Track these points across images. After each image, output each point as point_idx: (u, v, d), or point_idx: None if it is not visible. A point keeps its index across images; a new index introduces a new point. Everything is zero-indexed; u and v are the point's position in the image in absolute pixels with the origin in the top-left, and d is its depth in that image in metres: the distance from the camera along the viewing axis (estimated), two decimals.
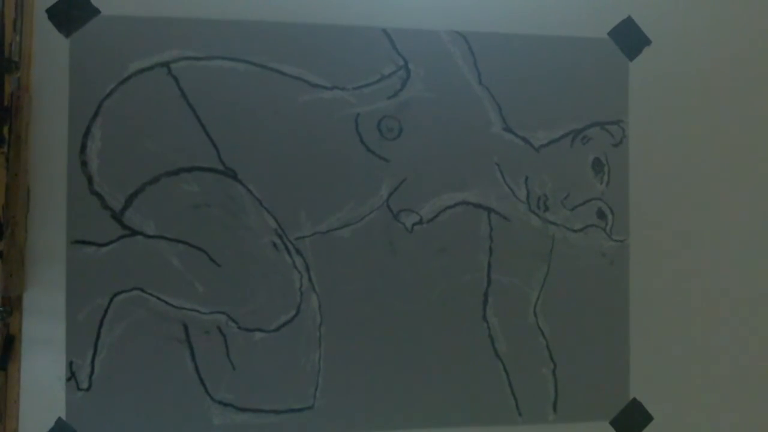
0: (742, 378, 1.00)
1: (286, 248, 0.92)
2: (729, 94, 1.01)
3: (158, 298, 0.91)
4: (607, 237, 0.96)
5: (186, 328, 0.91)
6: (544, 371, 0.96)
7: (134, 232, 0.90)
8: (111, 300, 0.91)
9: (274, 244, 0.92)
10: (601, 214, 0.95)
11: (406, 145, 0.94)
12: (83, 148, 0.90)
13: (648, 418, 0.98)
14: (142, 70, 0.91)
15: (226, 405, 0.92)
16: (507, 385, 0.95)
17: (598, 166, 0.96)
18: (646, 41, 1.00)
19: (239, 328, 0.92)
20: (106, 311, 0.91)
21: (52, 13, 0.90)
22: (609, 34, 0.98)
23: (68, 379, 0.91)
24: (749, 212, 1.00)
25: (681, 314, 0.98)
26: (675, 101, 0.99)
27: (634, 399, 0.97)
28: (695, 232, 0.99)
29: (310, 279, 0.93)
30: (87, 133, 0.90)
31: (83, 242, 0.90)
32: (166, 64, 0.91)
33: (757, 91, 1.01)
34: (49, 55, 0.90)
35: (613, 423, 0.97)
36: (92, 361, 0.91)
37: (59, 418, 0.92)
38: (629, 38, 0.99)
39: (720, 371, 1.00)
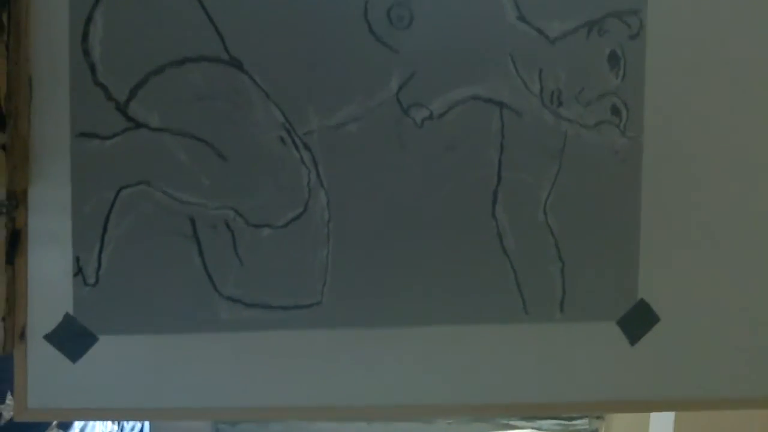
0: (752, 282, 1.02)
1: (294, 143, 0.93)
2: None
3: (164, 193, 0.93)
4: (621, 134, 0.97)
5: (193, 222, 0.93)
6: (551, 270, 0.98)
7: (138, 125, 0.92)
8: (117, 194, 0.93)
9: (282, 139, 0.93)
10: (615, 110, 0.96)
11: (417, 34, 0.94)
12: (85, 36, 0.91)
13: (655, 319, 1.01)
14: None
15: (234, 300, 0.95)
16: (514, 282, 0.98)
17: (614, 59, 0.96)
18: None
19: (247, 223, 0.94)
20: (112, 205, 0.93)
21: None
22: None
23: (75, 275, 0.94)
24: None
25: (692, 216, 1.00)
26: None
27: (642, 299, 1.00)
28: (711, 132, 0.99)
29: (318, 175, 0.94)
30: (89, 20, 0.90)
31: (88, 135, 0.91)
32: None
33: None
34: None
35: (619, 323, 1.00)
36: (99, 256, 0.94)
37: (67, 313, 0.95)
38: None
39: (729, 275, 1.02)
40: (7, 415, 1.48)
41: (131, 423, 2.20)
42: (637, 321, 1.04)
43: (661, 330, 1.04)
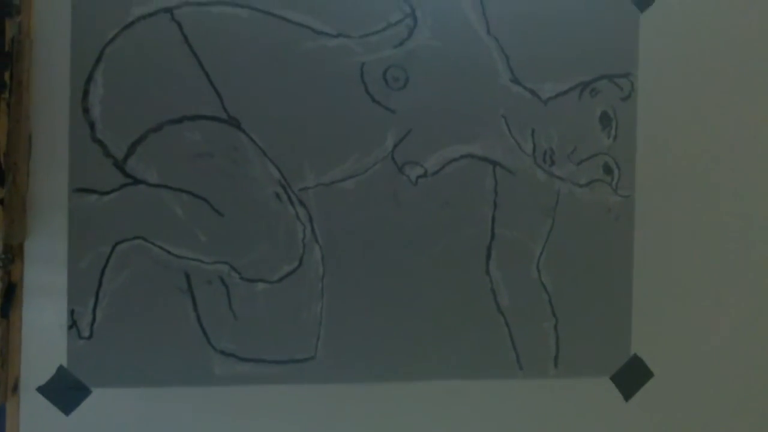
0: (746, 336, 1.03)
1: (290, 199, 0.95)
2: (742, 48, 1.03)
3: (160, 248, 0.94)
4: (613, 192, 0.99)
5: (188, 277, 0.95)
6: (545, 326, 1.00)
7: (137, 181, 0.94)
8: (113, 248, 0.94)
9: (278, 195, 0.95)
10: (607, 169, 0.98)
11: (412, 95, 0.97)
12: (85, 94, 0.93)
13: (648, 375, 1.02)
14: (145, 16, 0.94)
15: (227, 355, 0.96)
16: (508, 339, 0.99)
17: (605, 119, 0.99)
18: None
19: (241, 278, 0.95)
20: (108, 260, 0.94)
21: None
22: None
23: (70, 327, 0.95)
24: (760, 170, 1.02)
25: (684, 271, 1.01)
26: (686, 55, 1.02)
27: (635, 355, 1.01)
28: (702, 189, 1.01)
29: (313, 230, 0.96)
30: (89, 79, 0.93)
31: (86, 190, 0.93)
32: (169, 10, 0.94)
33: None
34: (50, 0, 0.92)
35: (613, 379, 1.01)
36: (94, 310, 0.95)
37: (61, 366, 0.96)
38: None
39: (723, 329, 1.03)
40: None
41: None
42: (631, 376, 1.05)
43: (655, 385, 1.05)
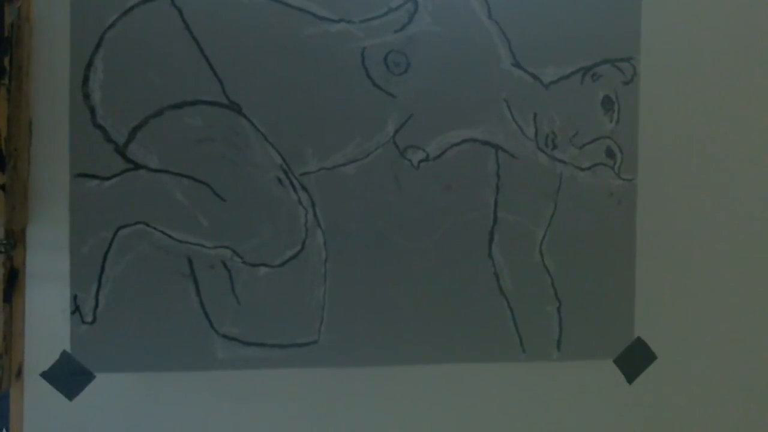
0: (747, 318, 1.04)
1: (291, 184, 0.96)
2: (743, 31, 1.03)
3: (162, 232, 0.95)
4: (615, 176, 1.00)
5: (190, 262, 0.95)
6: (548, 309, 1.00)
7: (138, 166, 0.94)
8: (115, 234, 0.95)
9: (279, 180, 0.96)
10: (609, 153, 0.99)
11: (413, 80, 0.97)
12: (86, 79, 0.93)
13: (652, 357, 1.03)
14: (145, 1, 0.94)
15: (230, 339, 0.97)
16: (511, 322, 1.00)
17: (607, 103, 0.99)
18: None
19: (244, 262, 0.96)
20: (110, 245, 0.95)
21: None
22: None
23: (72, 313, 0.96)
24: (760, 152, 1.03)
25: (686, 254, 1.02)
26: (687, 39, 1.02)
27: (639, 338, 1.02)
28: (704, 172, 1.02)
29: (315, 215, 0.96)
30: (89, 64, 0.93)
31: (87, 175, 0.94)
32: None
33: None
34: None
35: (617, 361, 1.02)
36: (96, 295, 0.95)
37: (64, 351, 0.96)
38: None
39: (725, 311, 1.04)
40: None
41: None
42: (635, 359, 1.06)
43: (659, 368, 1.06)
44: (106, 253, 0.96)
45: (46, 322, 0.97)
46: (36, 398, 0.98)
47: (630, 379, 1.04)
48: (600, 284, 1.02)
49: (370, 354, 1.00)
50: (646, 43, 1.02)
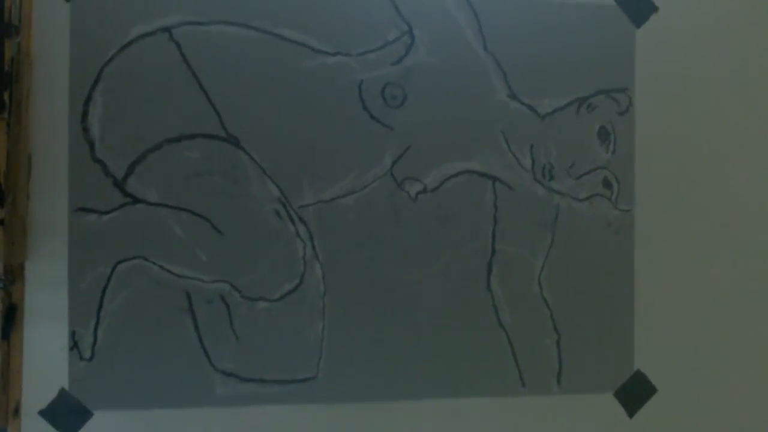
0: (748, 350, 1.04)
1: (290, 216, 0.96)
2: (736, 61, 1.05)
3: (161, 267, 0.95)
4: (613, 206, 1.01)
5: (189, 296, 0.96)
6: (548, 342, 1.00)
7: (136, 200, 0.95)
8: (113, 269, 0.95)
9: (277, 213, 0.96)
10: (606, 183, 1.00)
11: (410, 112, 0.98)
12: (85, 114, 0.94)
13: (652, 390, 1.03)
14: (144, 36, 0.95)
15: (229, 375, 0.97)
16: (511, 355, 1.00)
17: (603, 134, 1.00)
18: (653, 8, 1.04)
19: (242, 297, 0.96)
20: (108, 280, 0.95)
21: None
22: (616, 0, 1.02)
23: (71, 349, 0.96)
24: (757, 181, 1.04)
25: (686, 285, 1.02)
26: (681, 69, 1.03)
27: (638, 371, 1.02)
28: (701, 202, 1.02)
29: (313, 248, 0.97)
30: (88, 99, 0.94)
31: (85, 210, 0.94)
32: (167, 29, 0.95)
33: (766, 59, 1.04)
34: (49, 20, 0.95)
35: (617, 395, 1.02)
36: (95, 331, 0.95)
37: (62, 388, 0.96)
38: (636, 5, 1.03)
39: (725, 343, 1.04)
40: None
41: None
42: (635, 392, 1.06)
43: (659, 401, 1.06)
44: (105, 288, 0.96)
45: (44, 359, 0.96)
46: None
47: (631, 412, 1.04)
48: (599, 316, 1.02)
49: (370, 389, 1.00)
50: (641, 74, 1.03)
